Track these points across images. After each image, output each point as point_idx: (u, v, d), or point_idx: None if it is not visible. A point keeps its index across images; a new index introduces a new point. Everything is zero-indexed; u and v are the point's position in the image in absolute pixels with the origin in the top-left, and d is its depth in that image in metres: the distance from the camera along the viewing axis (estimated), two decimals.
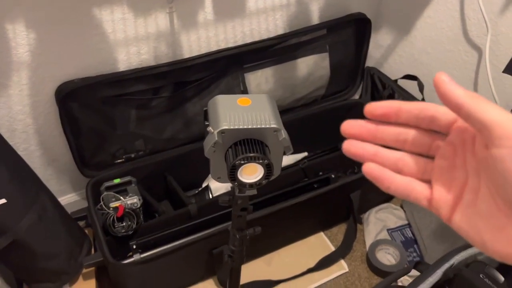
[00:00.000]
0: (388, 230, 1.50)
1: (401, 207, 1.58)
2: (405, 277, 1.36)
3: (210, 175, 1.50)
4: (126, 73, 1.19)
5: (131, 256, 1.21)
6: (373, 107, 0.33)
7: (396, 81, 1.55)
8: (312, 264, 1.39)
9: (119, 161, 1.34)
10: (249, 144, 0.53)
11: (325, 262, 1.40)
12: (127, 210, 1.24)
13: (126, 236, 1.24)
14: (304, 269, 1.37)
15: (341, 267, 1.40)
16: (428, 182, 0.33)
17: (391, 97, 1.53)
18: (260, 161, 0.52)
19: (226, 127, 0.53)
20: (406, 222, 1.53)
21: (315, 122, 1.59)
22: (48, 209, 1.08)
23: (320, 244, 1.46)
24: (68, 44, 1.08)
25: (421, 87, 1.46)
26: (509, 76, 1.24)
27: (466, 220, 0.30)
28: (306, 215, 1.40)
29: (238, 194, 0.59)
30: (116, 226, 1.23)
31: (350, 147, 0.34)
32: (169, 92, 1.29)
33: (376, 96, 1.61)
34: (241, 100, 0.58)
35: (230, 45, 1.33)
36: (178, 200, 1.38)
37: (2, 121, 1.12)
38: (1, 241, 0.99)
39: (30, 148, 1.21)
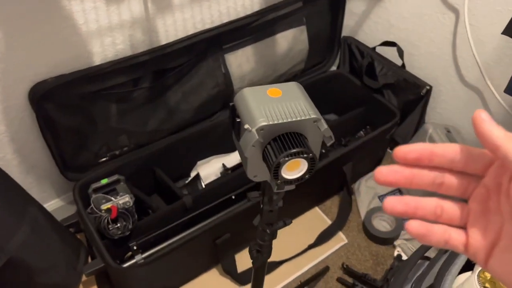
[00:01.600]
0: (379, 196, 1.53)
1: None
2: (402, 240, 1.39)
3: (198, 163, 1.47)
4: (102, 66, 1.11)
5: (132, 257, 1.16)
6: (404, 152, 0.32)
7: (374, 48, 1.54)
8: (312, 240, 1.39)
9: (103, 159, 1.27)
10: (290, 139, 0.50)
11: (324, 237, 1.40)
12: (120, 210, 1.18)
13: (123, 237, 1.18)
14: (305, 246, 1.37)
15: (340, 239, 1.42)
16: (465, 227, 0.32)
17: (370, 65, 1.52)
18: (305, 155, 0.49)
19: (265, 123, 0.49)
20: (395, 187, 1.55)
21: None
22: (39, 221, 1.00)
23: (316, 219, 1.47)
24: (37, 41, 0.99)
25: (400, 53, 1.46)
26: (489, 35, 1.26)
27: (503, 265, 0.30)
28: (301, 192, 1.38)
29: (276, 191, 0.56)
30: (111, 229, 1.17)
31: (394, 206, 0.32)
32: (149, 82, 1.22)
33: (355, 65, 1.60)
34: (271, 91, 0.54)
35: (208, 26, 1.27)
36: (169, 193, 1.33)
37: None
38: None
39: (7, 157, 1.12)
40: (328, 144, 0.53)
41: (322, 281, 1.31)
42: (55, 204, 1.31)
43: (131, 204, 1.21)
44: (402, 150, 0.32)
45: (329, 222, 1.46)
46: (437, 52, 1.43)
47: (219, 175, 1.44)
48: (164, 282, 1.22)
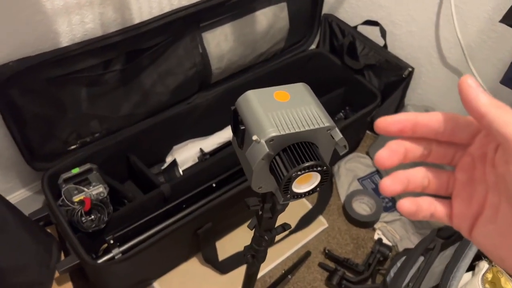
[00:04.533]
0: (358, 179, 1.52)
1: (367, 154, 1.60)
2: (382, 223, 1.40)
3: (174, 148, 1.40)
4: (70, 48, 1.01)
5: (108, 250, 1.11)
6: (387, 123, 0.31)
7: (356, 27, 1.49)
8: (292, 225, 1.37)
9: (73, 147, 1.18)
10: (302, 150, 0.45)
11: (304, 221, 1.39)
12: (94, 202, 1.11)
13: (98, 230, 1.12)
14: (286, 232, 1.35)
15: (321, 223, 1.41)
16: (451, 196, 0.32)
17: (352, 45, 1.48)
18: (319, 168, 0.45)
19: (276, 134, 0.44)
20: (374, 169, 1.55)
21: (277, 77, 1.51)
22: (7, 219, 0.93)
23: (296, 203, 1.44)
24: None
25: (383, 32, 1.42)
26: (473, 14, 1.24)
27: (487, 236, 0.30)
28: None
29: (282, 203, 0.52)
30: (85, 221, 1.10)
31: (390, 186, 0.31)
32: (121, 64, 1.13)
33: (335, 44, 1.55)
34: (278, 94, 0.49)
35: (184, 3, 1.18)
36: (145, 180, 1.26)
37: None
38: None
39: None
40: (341, 154, 0.49)
41: (304, 266, 1.31)
42: (21, 195, 1.22)
43: (106, 194, 1.14)
44: (385, 121, 0.31)
45: (310, 206, 1.44)
46: (419, 32, 1.40)
47: (197, 160, 1.38)
48: (142, 274, 1.18)
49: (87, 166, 1.16)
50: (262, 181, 0.49)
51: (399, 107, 1.51)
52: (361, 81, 1.48)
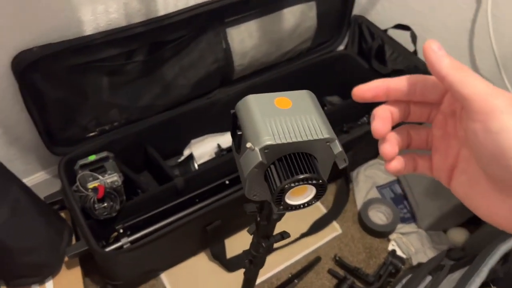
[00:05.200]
0: (377, 187, 1.48)
1: None
2: (398, 234, 1.36)
3: (192, 142, 1.40)
4: (94, 37, 1.02)
5: (118, 239, 1.12)
6: (362, 91, 0.34)
7: (386, 31, 1.45)
8: (305, 228, 1.35)
9: (91, 134, 1.19)
10: (297, 161, 0.43)
11: (317, 226, 1.37)
12: (107, 190, 1.12)
13: (109, 218, 1.13)
14: (297, 235, 1.33)
15: (334, 229, 1.38)
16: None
17: (380, 48, 1.44)
18: (314, 181, 0.43)
19: (271, 142, 0.42)
20: (394, 177, 1.51)
21: (301, 77, 1.48)
22: (21, 201, 0.95)
23: (311, 207, 1.42)
24: (22, 5, 0.89)
25: (413, 38, 1.37)
26: (510, 24, 1.18)
27: (461, 186, 0.32)
28: None
29: (278, 212, 0.50)
30: (97, 209, 1.11)
31: (390, 151, 0.34)
32: (144, 55, 1.14)
33: (364, 47, 1.51)
34: (279, 101, 0.47)
35: None
36: (160, 172, 1.27)
37: None
38: None
39: None
40: (341, 167, 0.47)
41: (313, 272, 1.29)
42: (40, 177, 1.25)
43: (120, 183, 1.15)
44: (360, 90, 0.35)
45: (324, 210, 1.41)
46: (452, 40, 1.34)
47: (213, 156, 1.38)
48: (150, 265, 1.19)
49: (104, 154, 1.17)
50: (257, 189, 0.48)
51: None
52: None
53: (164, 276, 1.23)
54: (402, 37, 1.41)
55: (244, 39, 1.29)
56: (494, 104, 0.26)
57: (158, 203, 1.20)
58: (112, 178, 1.14)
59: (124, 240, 1.09)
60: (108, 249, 1.06)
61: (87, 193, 1.10)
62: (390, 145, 0.34)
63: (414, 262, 1.29)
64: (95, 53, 1.05)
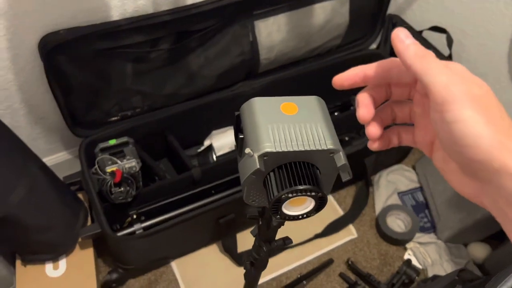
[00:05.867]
0: (399, 193, 1.44)
1: (413, 168, 1.51)
2: (416, 243, 1.32)
3: (213, 133, 1.40)
4: (120, 23, 1.02)
5: (130, 225, 1.13)
6: (341, 80, 0.37)
7: (421, 32, 1.39)
8: (319, 229, 1.33)
9: (114, 119, 1.21)
10: (297, 171, 0.42)
11: (333, 227, 1.34)
12: (125, 175, 1.13)
13: (125, 203, 1.14)
14: (311, 235, 1.32)
15: (350, 233, 1.35)
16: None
17: None
18: (313, 194, 0.41)
19: (270, 149, 0.41)
20: (418, 185, 1.46)
21: (329, 75, 1.43)
22: (39, 180, 0.97)
23: (328, 207, 1.40)
24: None
25: (449, 41, 1.31)
26: None
27: (438, 161, 0.34)
28: None
29: (277, 220, 0.49)
30: (114, 192, 1.13)
31: (375, 132, 0.37)
32: (169, 44, 1.13)
33: None
34: (285, 106, 0.45)
35: None
36: (179, 161, 1.27)
37: None
38: None
39: (14, 106, 1.07)
40: (344, 180, 0.44)
41: (323, 274, 1.27)
42: (62, 157, 1.28)
43: (137, 169, 1.16)
44: (339, 79, 0.37)
45: (341, 213, 1.39)
46: (492, 47, 1.28)
47: (233, 148, 1.37)
48: (161, 252, 1.20)
49: (124, 139, 1.18)
50: (256, 195, 0.46)
51: None
52: None
53: (174, 264, 1.24)
54: (438, 40, 1.35)
55: (272, 32, 1.26)
56: (450, 94, 0.28)
57: (174, 192, 1.20)
58: (130, 163, 1.16)
59: (137, 226, 1.11)
60: (120, 233, 1.08)
61: (105, 176, 1.11)
62: (374, 128, 0.37)
63: (430, 274, 1.25)
64: (121, 39, 1.06)
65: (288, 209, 0.44)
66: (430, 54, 0.30)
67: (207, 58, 1.21)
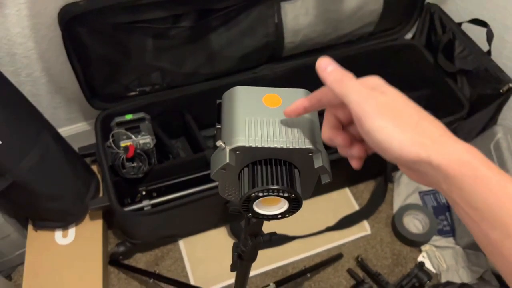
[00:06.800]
0: (420, 192, 1.38)
1: None
2: (432, 246, 1.27)
3: None
4: None
5: (139, 201, 1.14)
6: (288, 114, 0.40)
7: (460, 24, 1.30)
8: (332, 222, 1.30)
9: (132, 93, 1.21)
10: (272, 169, 0.39)
11: (346, 222, 1.30)
12: (138, 151, 1.13)
13: (137, 179, 1.15)
14: (323, 227, 1.28)
15: (363, 229, 1.31)
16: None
17: (451, 43, 1.30)
18: (286, 194, 0.38)
19: (243, 144, 0.38)
20: None
21: (357, 64, 1.37)
22: (51, 149, 0.98)
23: (343, 201, 1.36)
24: None
25: (490, 36, 1.22)
26: None
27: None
28: (334, 170, 1.27)
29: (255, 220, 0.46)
30: (126, 167, 1.13)
31: (359, 163, 0.39)
32: (191, 21, 1.11)
33: (432, 39, 1.37)
34: (268, 98, 0.43)
35: None
36: (195, 141, 1.27)
37: (0, 44, 0.98)
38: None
39: (34, 74, 1.09)
40: (323, 183, 0.41)
41: (331, 268, 1.24)
42: (80, 128, 1.30)
43: (151, 146, 1.16)
44: (287, 113, 0.40)
45: (357, 207, 1.34)
46: None
47: None
48: (169, 230, 1.21)
49: (141, 114, 1.18)
50: (231, 190, 0.44)
51: (489, 125, 1.31)
52: (450, 86, 1.31)
53: (182, 243, 1.25)
54: (477, 34, 1.26)
55: (299, 15, 1.21)
56: (363, 110, 0.32)
57: (186, 172, 1.20)
58: (144, 139, 1.16)
59: (145, 203, 1.11)
60: (127, 208, 1.09)
61: (118, 151, 1.12)
62: (356, 161, 0.38)
63: (443, 280, 1.19)
64: (142, 13, 1.04)
65: (260, 208, 0.41)
66: (346, 76, 0.34)
67: (229, 38, 1.18)
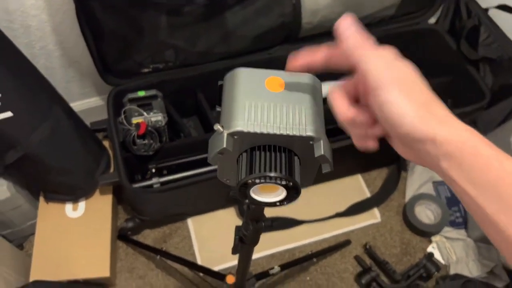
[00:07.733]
0: (434, 182, 1.35)
1: None
2: (442, 237, 1.25)
3: None
4: None
5: (149, 178, 1.14)
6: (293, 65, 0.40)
7: (486, 10, 1.25)
8: (342, 208, 1.28)
9: (145, 70, 1.20)
10: (271, 156, 0.38)
11: (356, 208, 1.29)
12: (149, 128, 1.13)
13: (147, 156, 1.15)
14: (332, 213, 1.27)
15: (373, 216, 1.29)
16: None
17: (475, 29, 1.25)
18: (284, 182, 0.37)
19: (241, 129, 0.37)
20: None
21: None
22: (62, 123, 0.98)
23: (355, 187, 1.34)
24: None
25: None
26: None
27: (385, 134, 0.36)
28: (346, 156, 1.25)
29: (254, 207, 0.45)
30: (137, 144, 1.13)
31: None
32: None
33: (456, 25, 1.32)
34: (271, 81, 0.41)
35: None
36: (207, 121, 1.26)
37: (15, 16, 0.98)
38: (10, 155, 0.92)
39: (48, 47, 1.09)
40: (324, 172, 0.40)
41: (339, 253, 1.23)
42: (94, 102, 1.30)
43: (163, 124, 1.16)
44: (292, 67, 0.40)
45: (368, 194, 1.32)
46: None
47: None
48: (177, 208, 1.21)
49: (153, 91, 1.18)
50: (230, 174, 0.43)
51: (509, 116, 1.27)
52: (472, 74, 1.26)
53: (190, 221, 1.26)
54: (506, 21, 1.21)
55: None
56: (380, 80, 0.32)
57: (196, 151, 1.20)
58: (156, 117, 1.15)
59: (154, 180, 1.11)
60: (137, 185, 1.09)
61: (129, 127, 1.12)
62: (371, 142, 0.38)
63: (452, 272, 1.18)
64: None
65: (258, 195, 0.40)
66: (367, 44, 0.33)
67: (244, 17, 1.16)
